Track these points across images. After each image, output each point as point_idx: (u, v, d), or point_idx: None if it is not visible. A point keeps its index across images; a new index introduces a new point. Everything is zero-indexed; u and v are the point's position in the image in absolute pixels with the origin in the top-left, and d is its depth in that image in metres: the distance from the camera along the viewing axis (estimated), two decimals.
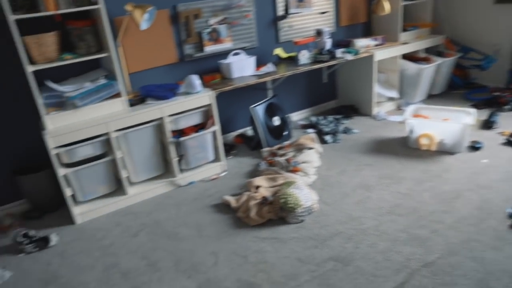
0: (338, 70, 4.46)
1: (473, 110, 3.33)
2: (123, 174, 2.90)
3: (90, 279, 2.25)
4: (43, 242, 2.59)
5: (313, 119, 4.10)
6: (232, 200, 2.73)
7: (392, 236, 2.32)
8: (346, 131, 3.84)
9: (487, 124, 3.65)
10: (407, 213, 2.52)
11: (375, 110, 4.21)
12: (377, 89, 4.19)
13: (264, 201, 2.59)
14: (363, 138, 3.71)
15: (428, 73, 4.26)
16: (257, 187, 2.79)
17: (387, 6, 4.07)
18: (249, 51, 3.71)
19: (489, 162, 3.05)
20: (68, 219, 2.86)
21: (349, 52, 3.84)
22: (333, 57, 3.74)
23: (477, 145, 3.27)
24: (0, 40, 2.69)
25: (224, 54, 3.53)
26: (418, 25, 4.53)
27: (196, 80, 3.03)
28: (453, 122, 3.23)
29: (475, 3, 4.47)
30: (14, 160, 3.00)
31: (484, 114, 3.79)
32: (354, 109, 4.35)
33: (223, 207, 2.79)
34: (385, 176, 2.99)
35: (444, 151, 3.27)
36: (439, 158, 3.19)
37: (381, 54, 3.99)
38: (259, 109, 3.50)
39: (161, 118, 2.92)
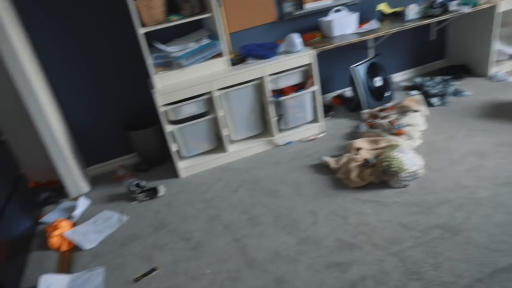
0: (449, 26, 4.02)
1: None
2: (224, 132, 3.03)
3: (195, 228, 2.45)
4: (153, 192, 2.86)
5: (418, 80, 3.80)
6: (331, 161, 2.72)
7: (511, 209, 2.11)
8: (456, 93, 3.50)
9: None
10: None
11: (493, 70, 3.74)
12: (497, 46, 3.70)
13: (366, 163, 2.53)
14: (477, 101, 3.35)
15: None
16: (358, 149, 2.73)
17: None
18: (351, 7, 3.51)
19: None
20: (173, 173, 3.12)
21: (465, 4, 3.42)
22: (446, 10, 3.37)
23: None
24: (113, 5, 2.91)
25: (325, 11, 3.40)
26: None
27: (296, 38, 2.98)
28: None
29: None
30: (127, 116, 3.31)
31: None
32: (466, 69, 3.92)
33: (321, 168, 2.79)
34: (504, 144, 2.69)
35: None
36: None
37: (508, 4, 3.46)
38: (360, 69, 3.35)
39: (261, 78, 2.95)
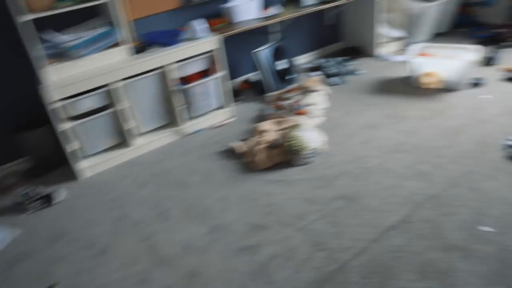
0: (345, 11, 4.30)
1: (476, 47, 3.28)
2: (129, 125, 2.91)
3: (100, 232, 2.28)
4: (48, 199, 2.57)
5: (319, 61, 4.04)
6: (239, 146, 2.77)
7: (397, 173, 2.38)
8: (352, 72, 3.80)
9: (488, 61, 3.61)
10: (411, 150, 2.57)
11: (380, 50, 4.12)
12: (382, 29, 4.07)
13: (272, 144, 2.63)
14: (369, 79, 3.67)
15: (431, 11, 4.12)
16: (264, 131, 2.82)
17: None
18: None
19: (490, 98, 3.07)
20: (74, 174, 2.85)
21: None
22: None
23: (479, 81, 3.26)
24: None
25: None
26: None
27: (198, 25, 2.95)
28: (454, 60, 3.18)
29: None
30: (14, 116, 2.93)
31: (486, 51, 3.70)
32: (359, 50, 4.26)
33: (231, 153, 2.83)
34: (390, 115, 3.00)
35: (446, 88, 3.25)
36: (442, 96, 3.19)
37: None
38: (264, 53, 3.44)
39: (165, 66, 2.88)
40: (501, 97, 3.06)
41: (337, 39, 4.50)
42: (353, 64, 3.99)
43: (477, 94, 3.15)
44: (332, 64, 3.91)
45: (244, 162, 2.69)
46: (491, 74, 3.44)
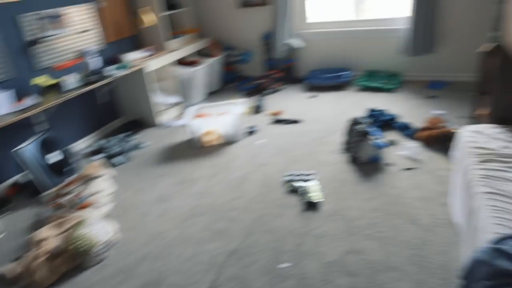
0: (118, 87, 4.25)
1: (243, 100, 3.72)
2: None
3: None
4: None
5: (101, 143, 3.80)
6: (11, 268, 2.24)
7: (196, 239, 2.35)
8: (137, 146, 3.72)
9: (257, 109, 4.16)
10: (205, 211, 2.61)
11: (160, 119, 4.22)
12: (158, 98, 4.20)
13: (54, 253, 2.23)
14: (154, 149, 3.66)
15: (199, 74, 4.54)
16: (43, 240, 2.39)
17: (146, 19, 4.15)
18: (3, 84, 3.10)
19: (264, 142, 3.47)
20: None
21: (120, 68, 3.72)
22: (103, 76, 3.55)
23: (252, 129, 3.68)
24: None
25: None
26: (184, 32, 4.79)
27: None
28: (228, 114, 3.51)
29: (223, 8, 5.05)
30: None
31: (253, 100, 4.25)
32: (140, 122, 4.24)
33: (2, 281, 2.25)
34: (180, 182, 3.02)
35: (226, 142, 3.53)
36: (223, 150, 3.44)
37: (152, 65, 4.03)
38: (28, 149, 3.00)
39: None
40: (272, 139, 3.50)
41: (116, 115, 4.40)
42: (137, 138, 3.92)
43: (253, 141, 3.51)
44: (114, 143, 3.74)
45: (22, 286, 2.18)
46: (261, 120, 3.93)
